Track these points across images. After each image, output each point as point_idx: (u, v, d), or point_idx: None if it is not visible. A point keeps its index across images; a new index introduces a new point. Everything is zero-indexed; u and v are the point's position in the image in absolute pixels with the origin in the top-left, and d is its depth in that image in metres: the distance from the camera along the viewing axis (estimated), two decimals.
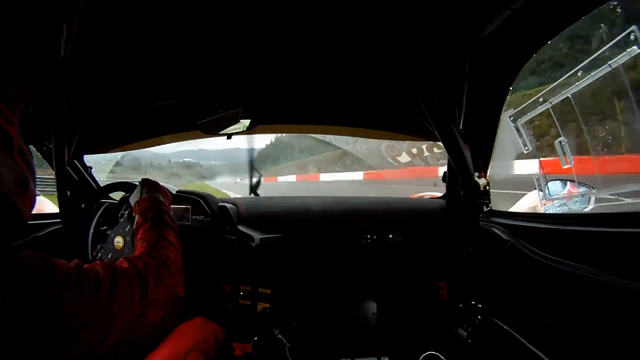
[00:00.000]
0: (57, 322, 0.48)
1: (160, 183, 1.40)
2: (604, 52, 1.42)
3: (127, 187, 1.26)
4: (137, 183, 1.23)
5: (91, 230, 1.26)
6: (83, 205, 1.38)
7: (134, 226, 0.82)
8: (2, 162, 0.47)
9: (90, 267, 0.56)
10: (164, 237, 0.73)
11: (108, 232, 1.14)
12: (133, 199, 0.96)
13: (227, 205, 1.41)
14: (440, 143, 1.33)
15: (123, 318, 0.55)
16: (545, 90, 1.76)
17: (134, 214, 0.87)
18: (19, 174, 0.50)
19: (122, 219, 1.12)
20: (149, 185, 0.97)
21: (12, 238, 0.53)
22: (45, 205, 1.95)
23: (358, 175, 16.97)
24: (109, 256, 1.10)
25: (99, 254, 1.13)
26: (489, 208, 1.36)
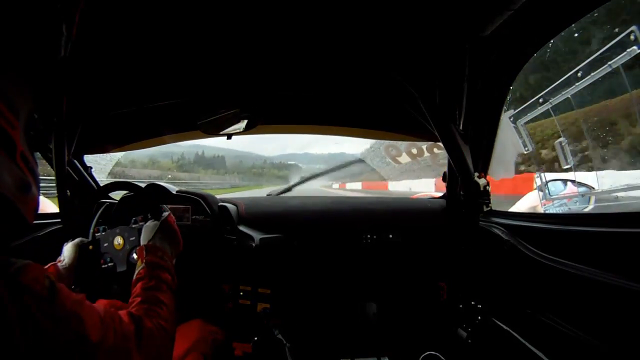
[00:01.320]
0: (56, 344, 0.47)
1: (162, 184, 1.40)
2: (604, 52, 1.42)
3: (127, 186, 1.26)
4: (143, 185, 1.23)
5: (91, 230, 1.27)
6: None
7: (136, 275, 0.80)
8: (5, 167, 0.48)
9: (92, 306, 0.56)
10: (162, 301, 0.73)
11: (109, 229, 1.15)
12: (146, 234, 0.92)
13: (227, 205, 1.41)
14: (440, 143, 1.33)
15: None
16: (545, 91, 1.75)
17: (139, 258, 0.84)
18: (20, 179, 0.51)
19: (134, 226, 1.12)
20: (166, 230, 0.93)
21: (12, 239, 0.54)
22: (46, 205, 1.95)
23: None
24: (105, 245, 1.11)
25: (99, 234, 1.14)
26: (489, 208, 1.36)
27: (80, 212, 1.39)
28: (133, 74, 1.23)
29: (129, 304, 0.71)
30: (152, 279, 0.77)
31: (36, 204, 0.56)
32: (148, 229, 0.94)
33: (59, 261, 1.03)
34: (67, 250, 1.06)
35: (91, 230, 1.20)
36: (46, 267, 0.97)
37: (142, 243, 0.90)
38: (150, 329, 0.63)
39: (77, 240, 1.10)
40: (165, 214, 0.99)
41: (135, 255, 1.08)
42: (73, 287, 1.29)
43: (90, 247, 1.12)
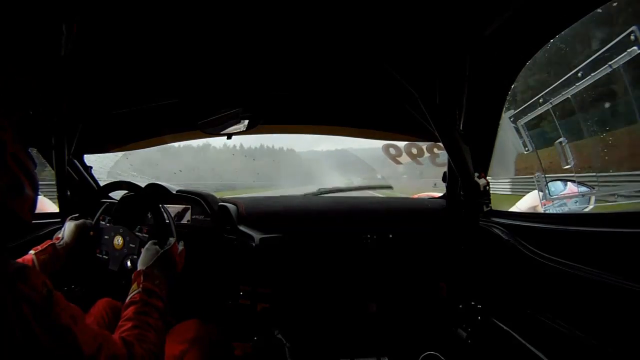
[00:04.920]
0: (51, 352, 0.48)
1: (163, 184, 1.40)
2: (604, 52, 1.42)
3: (127, 186, 1.26)
4: (141, 186, 1.23)
5: (96, 217, 1.27)
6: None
7: (129, 298, 0.79)
8: None
9: (87, 325, 0.56)
10: (153, 327, 0.74)
11: (114, 224, 1.15)
12: (146, 257, 0.90)
13: (227, 205, 1.41)
14: (440, 143, 1.33)
15: None
16: (546, 91, 1.75)
17: (135, 281, 0.83)
18: (12, 179, 0.51)
19: (138, 233, 1.11)
20: (167, 261, 0.92)
21: (10, 239, 0.54)
22: (46, 205, 1.95)
23: None
24: (105, 237, 1.12)
25: (104, 222, 1.15)
26: (489, 208, 1.36)
27: (80, 212, 1.39)
28: (133, 73, 1.23)
29: (118, 327, 0.72)
30: (145, 305, 0.77)
31: (32, 203, 0.57)
32: (149, 252, 0.92)
33: (57, 239, 1.03)
34: (69, 228, 1.06)
35: (96, 217, 1.20)
36: (43, 245, 0.98)
37: (139, 265, 0.89)
38: (142, 355, 0.65)
39: (80, 221, 1.09)
40: (172, 240, 0.97)
41: (129, 263, 1.08)
42: (73, 286, 1.29)
43: (92, 233, 1.12)
